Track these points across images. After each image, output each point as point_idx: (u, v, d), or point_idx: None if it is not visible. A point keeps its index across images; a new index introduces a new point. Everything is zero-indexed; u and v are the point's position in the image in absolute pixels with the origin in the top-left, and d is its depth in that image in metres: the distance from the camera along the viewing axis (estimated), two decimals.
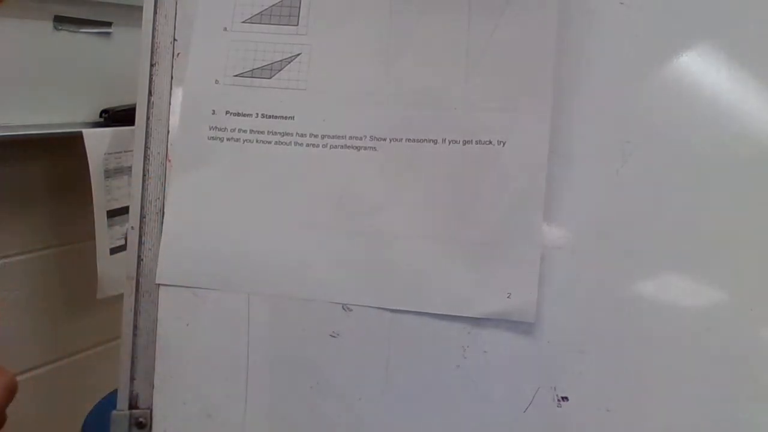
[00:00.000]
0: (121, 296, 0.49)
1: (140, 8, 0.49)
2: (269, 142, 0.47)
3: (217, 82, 0.48)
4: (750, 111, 0.42)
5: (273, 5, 0.48)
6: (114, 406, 0.48)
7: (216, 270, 0.47)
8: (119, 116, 0.89)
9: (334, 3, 0.47)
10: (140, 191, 0.49)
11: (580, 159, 0.44)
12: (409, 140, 0.45)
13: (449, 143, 0.44)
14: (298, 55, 0.47)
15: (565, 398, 0.42)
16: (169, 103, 0.49)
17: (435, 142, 0.45)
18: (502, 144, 0.44)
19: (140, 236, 0.48)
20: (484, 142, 0.44)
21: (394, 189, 0.45)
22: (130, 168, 0.56)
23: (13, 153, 0.84)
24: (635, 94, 0.44)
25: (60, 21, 0.85)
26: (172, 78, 0.49)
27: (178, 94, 0.49)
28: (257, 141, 0.47)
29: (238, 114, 0.48)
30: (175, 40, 0.49)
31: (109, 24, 0.90)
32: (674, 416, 0.41)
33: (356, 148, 0.46)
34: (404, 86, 0.46)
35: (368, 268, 0.45)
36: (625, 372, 0.42)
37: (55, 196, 0.90)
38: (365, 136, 0.46)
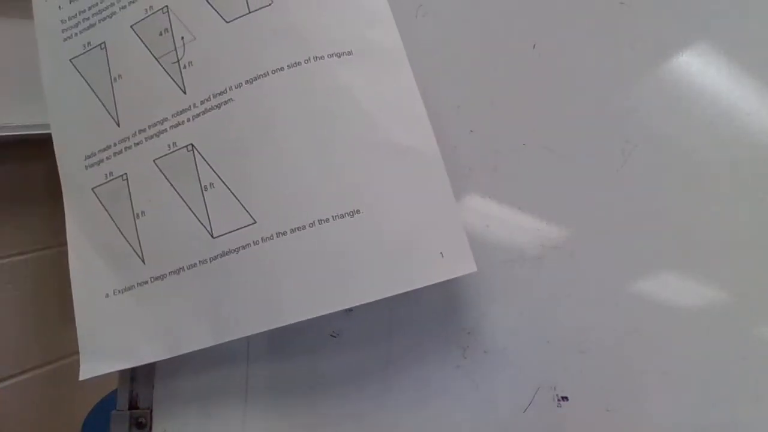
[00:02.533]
0: None
1: None
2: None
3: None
4: (750, 111, 0.42)
5: None
6: (114, 406, 0.48)
7: None
8: None
9: None
10: None
11: (580, 159, 0.44)
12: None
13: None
14: None
15: (565, 398, 0.42)
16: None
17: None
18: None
19: None
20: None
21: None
22: None
23: (13, 153, 0.84)
24: (635, 94, 0.44)
25: None
26: None
27: None
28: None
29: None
30: None
31: None
32: (674, 416, 0.41)
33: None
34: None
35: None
36: (625, 372, 0.42)
37: (55, 196, 0.90)
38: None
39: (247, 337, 0.46)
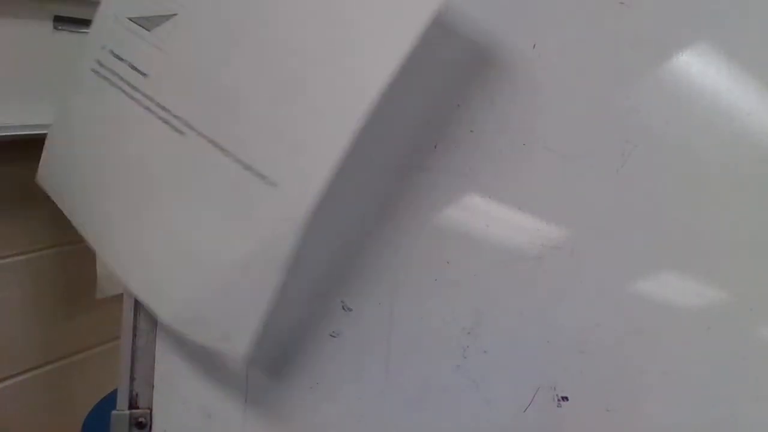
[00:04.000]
0: (121, 296, 0.49)
1: None
2: (123, 91, 0.47)
3: (115, 19, 0.48)
4: (750, 111, 0.42)
5: None
6: (114, 406, 0.48)
7: (72, 198, 0.50)
8: None
9: None
10: None
11: (580, 159, 0.44)
12: (209, 140, 0.43)
13: (235, 160, 0.42)
14: (174, 15, 0.46)
15: (565, 398, 0.42)
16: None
17: (226, 153, 0.43)
18: (273, 186, 0.41)
19: None
20: (260, 176, 0.41)
21: (180, 183, 0.45)
22: None
23: (13, 153, 0.84)
24: (635, 94, 0.44)
25: (60, 21, 0.85)
26: None
27: None
28: (117, 87, 0.47)
29: (117, 57, 0.47)
30: None
31: None
32: (674, 416, 0.41)
33: (172, 126, 0.45)
34: (227, 84, 0.44)
35: (141, 253, 0.46)
36: (625, 372, 0.42)
37: None
38: (180, 118, 0.45)
39: None
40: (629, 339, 0.42)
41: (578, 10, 0.44)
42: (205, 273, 0.43)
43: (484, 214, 0.45)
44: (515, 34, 0.45)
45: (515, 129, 0.45)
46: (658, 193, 0.43)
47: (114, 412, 0.48)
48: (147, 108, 0.46)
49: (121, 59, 0.47)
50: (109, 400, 0.76)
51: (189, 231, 0.44)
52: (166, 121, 0.45)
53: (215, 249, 0.43)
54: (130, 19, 0.47)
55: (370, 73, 0.40)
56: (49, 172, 0.52)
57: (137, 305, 0.48)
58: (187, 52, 0.45)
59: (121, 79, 0.47)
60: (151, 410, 0.47)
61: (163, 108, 0.45)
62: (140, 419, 0.47)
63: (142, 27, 0.47)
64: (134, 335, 0.48)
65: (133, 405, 0.48)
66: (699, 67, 0.43)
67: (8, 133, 0.80)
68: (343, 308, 0.45)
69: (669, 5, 0.44)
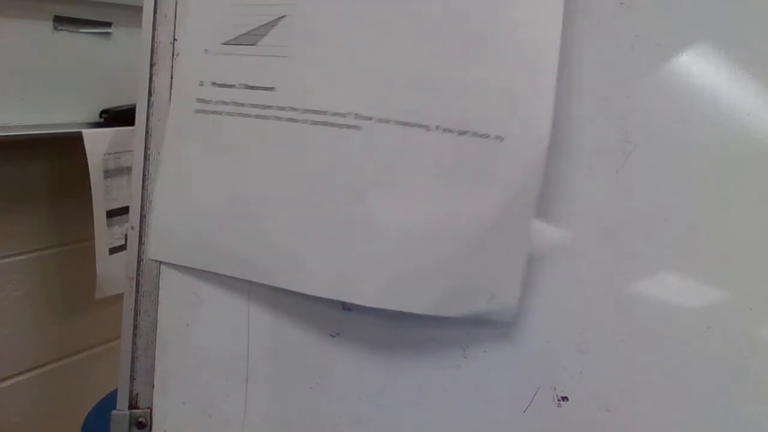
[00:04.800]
0: (121, 296, 0.49)
1: (140, 8, 0.49)
2: (248, 116, 0.44)
3: (206, 51, 0.45)
4: (750, 111, 0.42)
5: None
6: (114, 406, 0.48)
7: (207, 250, 0.45)
8: (119, 116, 0.89)
9: None
10: (140, 191, 0.49)
11: (580, 159, 0.44)
12: (398, 123, 0.41)
13: (443, 131, 0.40)
14: (282, 18, 0.43)
15: (565, 398, 0.42)
16: (169, 103, 0.49)
17: (427, 128, 0.40)
18: (500, 140, 0.40)
19: (140, 236, 0.48)
20: (481, 135, 0.40)
21: (380, 176, 0.42)
22: (129, 168, 0.56)
23: (13, 153, 0.84)
24: (635, 94, 0.44)
25: (60, 21, 0.85)
26: (172, 78, 0.49)
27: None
28: (238, 114, 0.44)
29: (223, 85, 0.44)
30: (175, 39, 0.49)
31: (109, 24, 0.90)
32: (674, 416, 0.41)
33: (338, 125, 0.42)
34: (398, 62, 0.41)
35: (356, 260, 0.42)
36: (625, 372, 0.42)
37: (55, 196, 0.90)
38: (349, 113, 0.41)
39: (247, 337, 0.46)
40: (629, 339, 0.42)
41: (578, 10, 0.44)
42: (448, 249, 0.41)
43: None
44: None
45: None
46: (658, 193, 0.43)
47: (114, 412, 0.48)
48: (291, 119, 0.42)
49: (229, 86, 0.44)
50: (109, 400, 0.77)
51: (410, 217, 0.41)
52: (327, 123, 0.42)
53: (454, 222, 0.40)
54: (225, 44, 0.44)
55: (545, 18, 0.40)
56: (168, 240, 0.47)
57: (137, 305, 0.48)
58: (322, 47, 0.42)
59: (238, 104, 0.44)
60: (151, 410, 0.47)
61: (317, 111, 0.42)
62: (140, 419, 0.47)
63: (244, 44, 0.44)
64: (134, 335, 0.48)
65: (133, 405, 0.48)
66: (699, 67, 0.43)
67: (8, 133, 0.80)
68: (343, 308, 0.45)
69: (669, 5, 0.44)
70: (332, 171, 0.42)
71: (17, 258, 0.88)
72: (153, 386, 0.48)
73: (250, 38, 0.44)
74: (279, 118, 0.43)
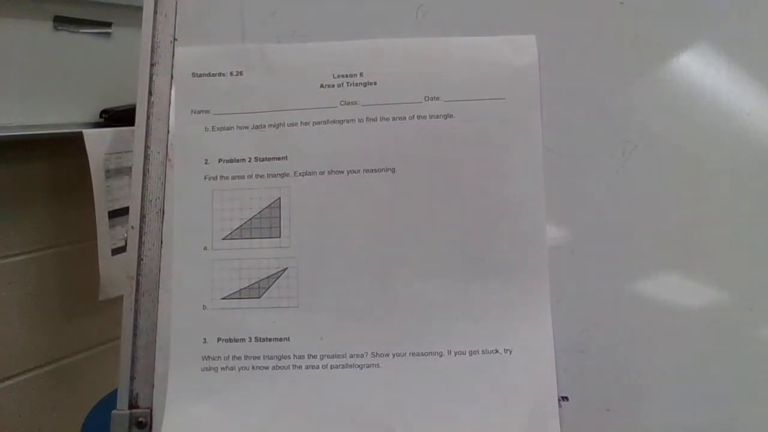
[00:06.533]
0: (120, 297, 0.49)
1: (140, 8, 0.49)
2: (266, 368, 0.44)
3: (204, 307, 0.45)
4: (750, 111, 0.42)
5: (252, 218, 0.45)
6: (114, 406, 0.48)
7: None
8: (119, 116, 0.89)
9: (315, 209, 0.45)
10: (140, 191, 0.48)
11: (580, 159, 0.44)
12: (413, 354, 0.43)
13: (455, 354, 0.43)
14: (285, 270, 0.45)
15: (565, 398, 0.42)
16: (169, 103, 0.49)
17: (440, 354, 0.43)
18: (508, 352, 0.43)
19: (140, 236, 0.48)
20: (491, 352, 0.43)
21: (404, 406, 0.43)
22: (130, 168, 0.56)
23: (13, 153, 0.84)
24: (635, 93, 0.44)
25: (60, 21, 0.85)
26: (172, 78, 0.49)
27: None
28: (253, 368, 0.44)
29: (231, 340, 0.45)
30: (175, 39, 0.49)
31: (109, 24, 0.90)
32: (674, 416, 0.41)
33: (359, 366, 0.44)
34: (402, 299, 0.44)
35: None
36: (625, 372, 0.42)
37: (56, 197, 0.90)
38: (366, 353, 0.43)
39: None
40: (629, 339, 0.42)
41: (578, 10, 0.44)
42: None
43: None
44: (515, 34, 0.45)
45: None
46: (657, 193, 0.43)
47: (114, 411, 0.48)
48: (311, 366, 0.44)
49: (239, 340, 0.45)
50: (109, 400, 0.76)
51: None
52: (347, 366, 0.43)
53: None
54: (225, 298, 0.45)
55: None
56: None
57: (137, 305, 0.48)
58: (332, 295, 0.44)
59: (252, 357, 0.44)
60: (151, 410, 0.47)
61: (336, 356, 0.44)
62: (140, 419, 0.47)
63: (247, 297, 0.45)
64: (134, 335, 0.48)
65: (133, 405, 0.48)
66: (699, 67, 0.43)
67: (8, 133, 0.80)
68: None
69: (669, 5, 0.44)
70: (360, 410, 0.43)
71: (17, 258, 0.88)
72: (153, 386, 0.48)
73: (253, 291, 0.45)
74: (298, 367, 0.44)
